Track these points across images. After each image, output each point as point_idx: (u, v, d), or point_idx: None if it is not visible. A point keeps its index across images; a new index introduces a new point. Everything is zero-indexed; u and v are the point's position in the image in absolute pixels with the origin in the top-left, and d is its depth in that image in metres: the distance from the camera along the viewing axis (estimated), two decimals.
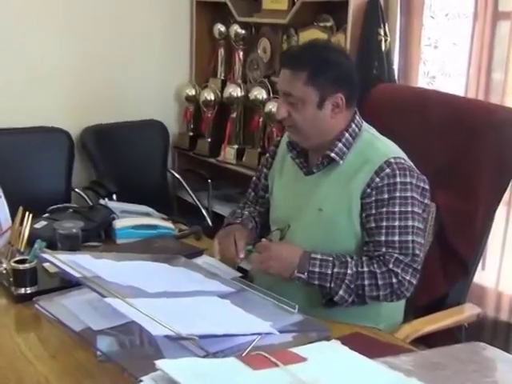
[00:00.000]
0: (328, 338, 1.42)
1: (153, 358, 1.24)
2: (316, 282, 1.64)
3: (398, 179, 1.65)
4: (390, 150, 1.71)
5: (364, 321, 1.68)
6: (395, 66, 2.82)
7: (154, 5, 3.60)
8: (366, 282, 1.62)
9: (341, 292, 1.63)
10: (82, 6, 3.34)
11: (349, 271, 1.62)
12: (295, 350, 1.11)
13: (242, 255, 1.75)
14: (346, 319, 1.65)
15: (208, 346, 1.31)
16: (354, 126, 1.73)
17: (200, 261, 1.95)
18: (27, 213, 1.87)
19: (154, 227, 2.19)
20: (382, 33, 2.72)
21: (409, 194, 1.66)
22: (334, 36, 2.95)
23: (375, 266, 1.62)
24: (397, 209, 1.65)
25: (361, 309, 1.70)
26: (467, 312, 1.93)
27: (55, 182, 3.21)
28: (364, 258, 1.65)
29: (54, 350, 1.45)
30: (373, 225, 1.66)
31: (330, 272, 1.63)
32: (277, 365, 1.01)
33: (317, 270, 1.63)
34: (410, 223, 1.65)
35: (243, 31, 3.52)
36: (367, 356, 1.14)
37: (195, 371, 0.98)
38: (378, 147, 1.71)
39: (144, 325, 1.25)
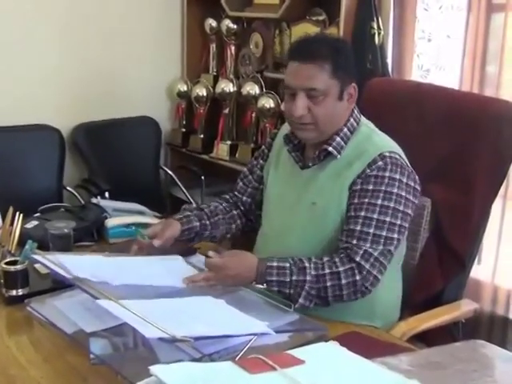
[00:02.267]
0: (324, 338, 1.40)
1: (147, 360, 1.24)
2: (275, 289, 1.59)
3: (387, 173, 1.63)
4: (386, 144, 1.69)
5: (360, 319, 1.66)
6: (389, 60, 2.80)
7: (145, 0, 3.56)
8: (329, 284, 1.58)
9: (300, 300, 1.58)
10: (73, 3, 3.29)
11: (308, 278, 1.57)
12: (293, 352, 1.08)
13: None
14: (342, 317, 1.64)
15: (203, 347, 1.29)
16: (352, 120, 1.72)
17: (194, 259, 1.93)
18: (18, 213, 1.84)
19: (147, 226, 2.16)
20: (376, 26, 2.69)
21: (395, 190, 1.63)
22: (327, 30, 2.92)
23: (338, 264, 1.58)
24: (379, 202, 1.62)
25: (357, 307, 1.68)
26: (464, 308, 1.91)
27: (46, 181, 3.17)
28: (325, 259, 1.60)
29: (46, 354, 1.43)
30: (352, 213, 1.64)
31: (288, 280, 1.57)
32: (274, 368, 0.99)
33: (274, 278, 1.58)
34: (388, 219, 1.62)
35: (235, 26, 3.48)
36: (365, 356, 1.12)
37: (190, 377, 0.95)
38: (374, 141, 1.70)
39: (137, 327, 1.23)
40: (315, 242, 1.67)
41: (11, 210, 1.86)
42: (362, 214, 1.62)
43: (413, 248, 1.89)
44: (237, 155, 3.44)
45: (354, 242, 1.60)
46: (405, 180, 1.65)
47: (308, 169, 1.76)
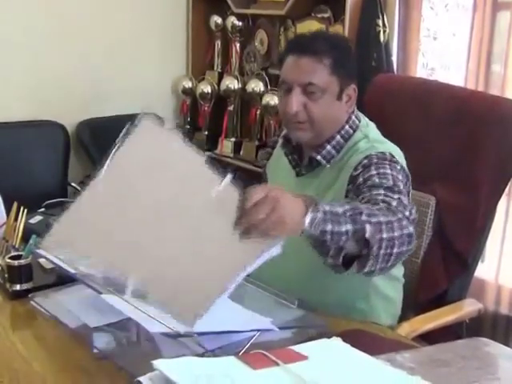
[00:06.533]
0: (327, 334, 1.40)
1: (150, 355, 1.24)
2: (328, 227, 1.23)
3: (373, 162, 1.51)
4: (373, 148, 1.59)
5: (362, 315, 1.65)
6: (394, 58, 2.80)
7: None
8: (382, 219, 1.30)
9: (368, 227, 1.26)
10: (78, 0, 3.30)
11: (361, 205, 1.32)
12: (296, 348, 1.09)
13: None
14: (344, 313, 1.61)
15: (206, 342, 1.29)
16: (347, 127, 1.65)
17: None
18: (22, 208, 1.84)
19: None
20: (381, 24, 2.70)
21: (388, 171, 1.48)
22: (332, 27, 2.93)
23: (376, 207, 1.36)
24: (377, 180, 1.46)
25: (359, 302, 1.68)
26: (468, 308, 1.90)
27: (51, 177, 3.18)
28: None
29: (50, 348, 1.43)
30: (359, 191, 1.47)
31: (341, 211, 1.25)
32: (277, 364, 1.00)
33: (327, 208, 1.23)
34: (395, 188, 1.44)
35: (240, 23, 3.48)
36: (368, 353, 1.12)
37: (193, 371, 0.96)
38: (359, 146, 1.61)
39: (141, 322, 1.23)
40: (313, 258, 1.62)
41: (15, 205, 1.86)
42: (366, 188, 1.46)
43: (417, 245, 1.89)
44: (241, 152, 3.44)
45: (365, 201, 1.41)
46: (397, 167, 1.52)
47: (302, 176, 1.71)
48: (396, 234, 1.31)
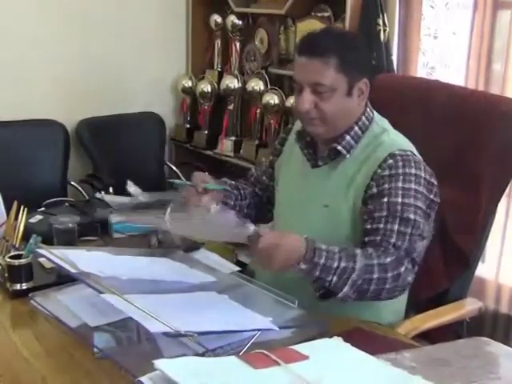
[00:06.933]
0: (328, 333, 1.40)
1: (150, 355, 1.24)
2: (316, 274, 1.47)
3: (400, 170, 1.59)
4: (396, 143, 1.66)
5: (364, 315, 1.65)
6: (394, 57, 2.79)
7: None
8: (375, 276, 1.48)
9: (346, 289, 1.48)
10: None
11: (357, 265, 1.47)
12: (296, 347, 1.09)
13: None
14: (347, 313, 1.62)
15: (207, 342, 1.29)
16: (364, 118, 1.69)
17: (198, 255, 1.93)
18: (22, 207, 1.84)
19: None
20: (381, 23, 2.69)
21: (412, 186, 1.58)
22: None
23: (383, 256, 1.51)
24: (399, 200, 1.57)
25: (362, 303, 1.67)
26: (468, 307, 1.90)
27: (51, 176, 3.18)
28: (370, 250, 1.52)
29: (50, 348, 1.43)
30: (376, 214, 1.58)
31: (335, 265, 1.46)
32: (278, 363, 0.99)
33: (322, 261, 1.46)
34: (412, 217, 1.57)
35: (240, 22, 3.48)
36: (369, 352, 1.12)
37: (195, 371, 0.96)
38: (383, 142, 1.66)
39: (142, 322, 1.23)
40: (328, 243, 1.65)
41: (15, 204, 1.86)
42: (384, 213, 1.56)
43: None
44: (241, 151, 3.44)
45: (378, 238, 1.55)
46: (420, 173, 1.61)
47: (318, 168, 1.73)
48: (387, 286, 1.51)
